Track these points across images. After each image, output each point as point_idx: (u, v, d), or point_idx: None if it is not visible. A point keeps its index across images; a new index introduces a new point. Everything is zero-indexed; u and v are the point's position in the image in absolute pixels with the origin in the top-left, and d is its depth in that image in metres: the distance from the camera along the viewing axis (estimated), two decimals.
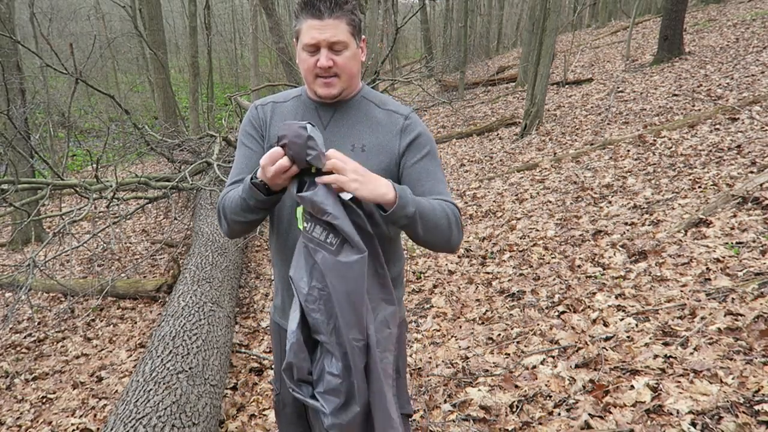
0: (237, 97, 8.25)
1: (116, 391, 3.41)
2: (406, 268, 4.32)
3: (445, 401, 2.46)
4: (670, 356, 2.28)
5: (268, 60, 25.95)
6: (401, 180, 1.33)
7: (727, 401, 1.93)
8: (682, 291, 2.79)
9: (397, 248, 1.44)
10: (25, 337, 4.50)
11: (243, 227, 1.30)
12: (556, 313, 3.00)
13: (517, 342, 2.83)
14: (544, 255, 3.85)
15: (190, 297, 3.35)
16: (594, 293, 3.06)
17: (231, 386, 3.10)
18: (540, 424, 2.14)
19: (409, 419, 1.49)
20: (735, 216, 3.43)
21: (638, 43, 12.94)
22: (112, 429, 2.08)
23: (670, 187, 4.30)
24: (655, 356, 2.30)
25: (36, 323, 4.74)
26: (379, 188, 1.13)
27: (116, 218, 5.31)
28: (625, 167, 5.12)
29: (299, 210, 1.29)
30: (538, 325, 2.93)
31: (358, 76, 1.35)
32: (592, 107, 8.37)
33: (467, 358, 2.82)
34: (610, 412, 2.07)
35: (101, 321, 4.62)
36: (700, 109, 6.32)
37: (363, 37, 1.33)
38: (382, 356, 1.13)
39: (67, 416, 3.21)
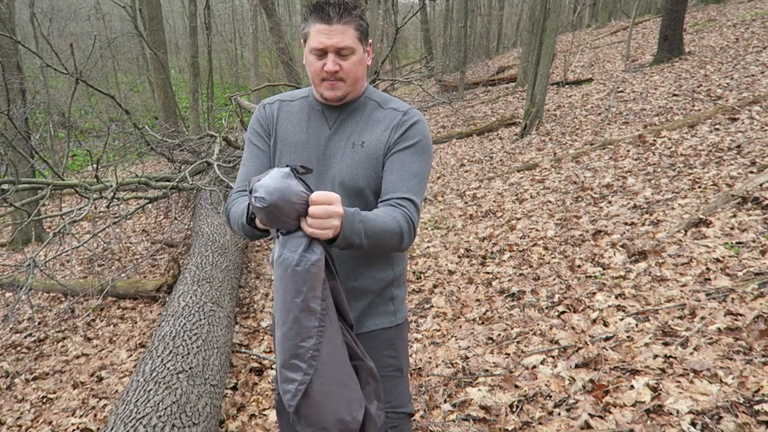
0: (237, 97, 8.24)
1: (116, 391, 3.41)
2: (406, 267, 4.32)
3: (445, 401, 2.46)
4: (670, 356, 2.28)
5: (268, 60, 25.93)
6: (382, 165, 1.33)
7: (727, 401, 1.93)
8: (682, 291, 2.79)
9: None
10: (25, 337, 4.50)
11: (248, 239, 1.31)
12: (556, 313, 3.00)
13: (517, 342, 2.83)
14: (544, 255, 3.85)
15: (191, 297, 3.36)
16: (594, 293, 3.06)
17: (231, 386, 3.11)
18: (540, 424, 2.14)
19: (411, 418, 1.49)
20: (735, 216, 3.43)
21: (638, 43, 12.94)
22: (112, 429, 2.08)
23: (670, 187, 4.30)
24: (655, 356, 2.30)
25: (36, 323, 4.74)
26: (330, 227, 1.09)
27: (116, 218, 5.32)
28: (625, 167, 5.12)
29: None
30: (538, 325, 2.94)
31: (364, 79, 1.37)
32: (592, 107, 8.37)
33: (467, 358, 2.82)
34: (610, 412, 2.07)
35: (101, 321, 4.62)
36: (700, 109, 6.32)
37: (369, 41, 1.34)
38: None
39: (68, 416, 3.21)
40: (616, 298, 2.94)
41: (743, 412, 1.86)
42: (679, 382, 2.11)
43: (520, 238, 4.26)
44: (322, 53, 1.26)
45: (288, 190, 1.01)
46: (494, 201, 5.48)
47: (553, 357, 2.59)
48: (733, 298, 2.56)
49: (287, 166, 1.06)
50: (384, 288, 1.43)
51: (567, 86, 10.88)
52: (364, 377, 1.17)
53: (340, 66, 1.26)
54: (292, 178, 1.03)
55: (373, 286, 1.40)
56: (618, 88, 8.92)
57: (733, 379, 2.04)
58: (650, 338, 2.46)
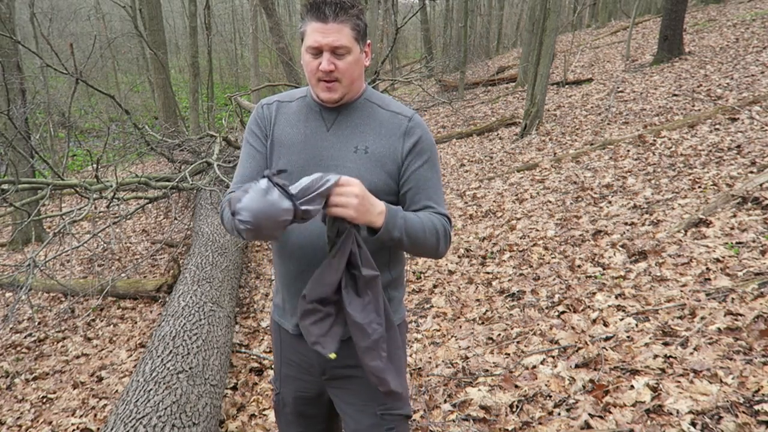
0: (237, 97, 8.25)
1: (116, 391, 3.41)
2: (406, 268, 4.33)
3: (445, 401, 2.46)
4: (670, 356, 2.28)
5: (268, 60, 25.93)
6: (400, 184, 1.34)
7: (727, 401, 1.93)
8: (682, 291, 2.79)
9: (399, 251, 1.44)
10: (25, 337, 4.50)
11: (242, 239, 1.32)
12: (556, 313, 3.00)
13: (517, 342, 2.83)
14: (544, 255, 3.86)
15: (191, 297, 3.36)
16: (594, 293, 3.06)
17: (231, 386, 3.11)
18: (540, 424, 2.14)
19: (409, 420, 1.49)
20: (735, 216, 3.43)
21: (638, 43, 12.94)
22: (112, 429, 2.08)
23: (670, 187, 4.30)
24: (655, 356, 2.30)
25: (36, 323, 4.74)
26: (373, 216, 1.16)
27: (116, 218, 5.32)
28: (625, 167, 5.12)
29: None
30: (538, 325, 2.94)
31: (361, 80, 1.35)
32: (592, 107, 8.37)
33: (467, 358, 2.82)
34: (610, 412, 2.07)
35: (101, 321, 4.62)
36: (700, 109, 6.32)
37: (368, 41, 1.33)
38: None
39: (68, 416, 3.21)
40: (616, 298, 2.94)
41: (743, 412, 1.86)
42: (679, 382, 2.11)
43: (520, 238, 4.26)
44: (317, 52, 1.25)
45: (271, 209, 1.02)
46: (494, 201, 5.48)
47: (553, 357, 2.59)
48: (733, 298, 2.56)
49: (264, 176, 1.06)
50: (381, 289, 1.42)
51: (567, 86, 10.88)
52: (362, 286, 1.20)
53: (336, 65, 1.25)
54: (272, 191, 1.03)
55: None
56: (618, 88, 8.92)
57: (733, 379, 2.04)
58: (650, 338, 2.46)
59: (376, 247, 1.28)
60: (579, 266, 3.49)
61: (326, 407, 1.54)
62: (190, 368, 2.53)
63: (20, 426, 3.24)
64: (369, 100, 1.38)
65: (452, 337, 3.11)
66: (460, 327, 3.22)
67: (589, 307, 2.95)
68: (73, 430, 3.04)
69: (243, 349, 3.54)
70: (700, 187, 4.11)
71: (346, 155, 1.32)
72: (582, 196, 4.78)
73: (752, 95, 6.11)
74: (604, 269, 3.33)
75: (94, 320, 4.67)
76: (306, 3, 1.26)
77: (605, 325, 2.72)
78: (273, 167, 1.37)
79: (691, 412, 1.93)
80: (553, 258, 3.76)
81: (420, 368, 2.83)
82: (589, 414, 2.09)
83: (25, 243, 7.64)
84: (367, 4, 11.28)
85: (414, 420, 2.38)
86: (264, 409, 2.84)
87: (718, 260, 2.98)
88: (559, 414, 2.16)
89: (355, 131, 1.34)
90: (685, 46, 9.85)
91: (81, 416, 3.18)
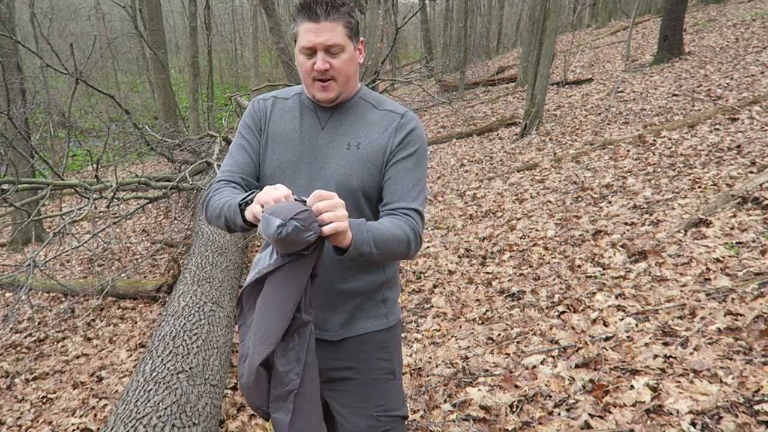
0: (237, 97, 8.26)
1: (116, 390, 3.41)
2: (406, 268, 4.33)
3: (445, 401, 2.46)
4: (670, 356, 2.28)
5: (268, 60, 25.94)
6: (383, 174, 1.33)
7: (727, 401, 1.93)
8: (682, 291, 2.79)
9: None
10: (25, 337, 4.50)
11: (225, 229, 1.32)
12: (556, 313, 3.00)
13: (517, 342, 2.83)
14: (544, 255, 3.85)
15: (191, 297, 3.35)
16: (594, 293, 3.06)
17: (231, 386, 3.11)
18: (540, 424, 2.14)
19: (405, 421, 1.48)
20: (735, 216, 3.43)
21: (638, 43, 12.94)
22: (112, 429, 2.08)
23: (670, 187, 4.30)
24: (655, 356, 2.30)
25: (36, 323, 4.74)
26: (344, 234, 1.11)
27: (116, 218, 5.32)
28: (625, 167, 5.12)
29: None
30: (538, 325, 2.94)
31: (356, 78, 1.35)
32: (592, 107, 8.37)
33: (467, 358, 2.82)
34: (610, 412, 2.07)
35: (101, 321, 4.62)
36: (700, 109, 6.32)
37: (361, 38, 1.33)
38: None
39: (68, 416, 3.21)
40: (616, 298, 2.94)
41: (743, 412, 1.86)
42: (679, 382, 2.11)
43: (520, 238, 4.26)
44: (311, 52, 1.25)
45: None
46: (494, 201, 5.48)
47: (553, 357, 2.59)
48: (733, 298, 2.56)
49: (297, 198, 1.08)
50: (375, 290, 1.41)
51: (567, 86, 10.88)
52: (291, 330, 1.13)
53: (331, 64, 1.25)
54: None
55: (363, 288, 1.38)
56: (618, 88, 8.92)
57: (733, 379, 2.04)
58: (650, 338, 2.46)
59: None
60: (579, 266, 3.49)
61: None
62: (190, 368, 2.53)
63: (20, 426, 3.24)
64: (364, 98, 1.38)
65: (452, 337, 3.11)
66: (460, 327, 3.22)
67: (589, 307, 2.95)
68: (73, 430, 3.04)
69: None
70: (700, 187, 4.11)
71: (338, 152, 1.32)
72: (582, 196, 4.78)
73: (752, 95, 6.11)
74: (604, 269, 3.33)
75: (94, 320, 4.67)
76: (297, 4, 1.26)
77: (605, 325, 2.72)
78: (267, 162, 1.38)
79: (691, 412, 1.93)
80: (553, 258, 3.76)
81: (420, 368, 2.83)
82: (589, 414, 2.09)
83: (25, 243, 7.64)
84: (367, 4, 11.28)
85: (414, 420, 2.38)
86: None
87: (718, 260, 2.98)
88: (559, 414, 2.16)
89: (349, 129, 1.34)
90: (685, 46, 9.85)
91: (81, 416, 3.18)
